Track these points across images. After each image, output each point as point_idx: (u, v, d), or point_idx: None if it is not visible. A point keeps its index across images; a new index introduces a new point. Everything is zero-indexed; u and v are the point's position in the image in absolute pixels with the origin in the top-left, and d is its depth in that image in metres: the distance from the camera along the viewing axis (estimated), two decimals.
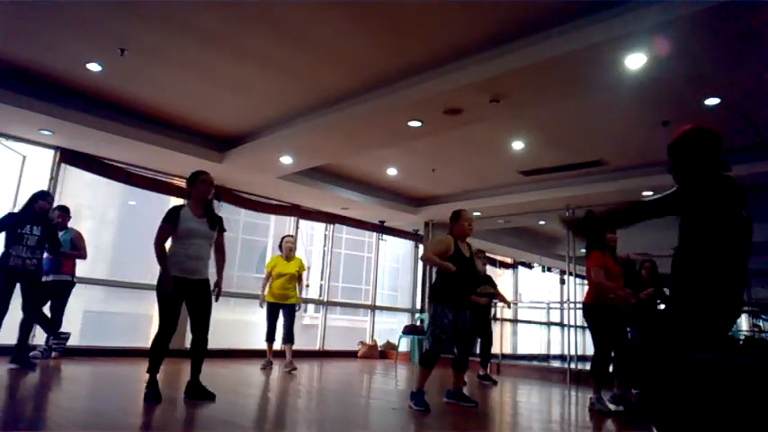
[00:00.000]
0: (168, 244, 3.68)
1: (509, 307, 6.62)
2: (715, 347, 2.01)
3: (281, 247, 6.28)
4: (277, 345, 6.16)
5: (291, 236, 6.67)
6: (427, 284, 9.50)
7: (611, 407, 4.30)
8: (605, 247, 4.43)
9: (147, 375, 3.54)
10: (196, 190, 3.78)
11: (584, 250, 8.65)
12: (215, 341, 4.01)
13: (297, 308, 6.09)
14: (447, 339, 3.96)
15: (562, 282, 11.06)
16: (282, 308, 6.03)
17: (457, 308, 4.02)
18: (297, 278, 6.13)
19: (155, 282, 3.62)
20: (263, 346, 6.11)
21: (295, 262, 6.18)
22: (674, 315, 2.13)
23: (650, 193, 6.77)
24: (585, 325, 4.60)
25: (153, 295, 3.63)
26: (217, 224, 3.81)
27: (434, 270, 4.25)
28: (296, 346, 6.08)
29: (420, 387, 3.88)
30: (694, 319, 2.02)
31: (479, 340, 6.29)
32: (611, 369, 4.58)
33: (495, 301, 6.79)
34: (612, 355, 4.37)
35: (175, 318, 3.64)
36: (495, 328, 6.55)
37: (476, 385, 5.83)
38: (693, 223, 2.18)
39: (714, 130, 2.27)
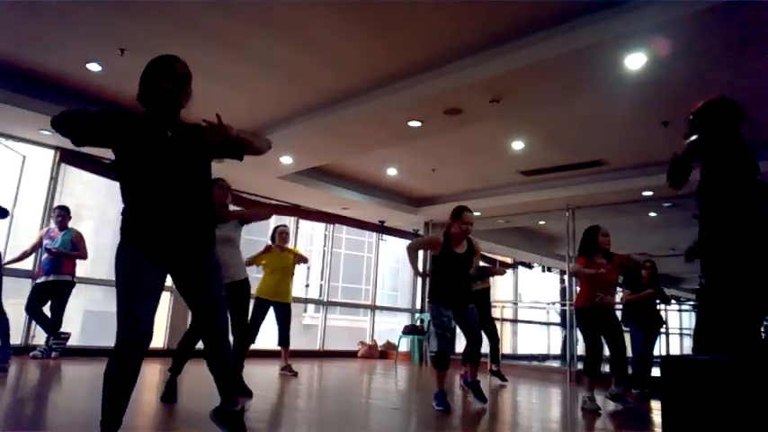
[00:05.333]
0: None
1: (503, 273, 6.54)
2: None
3: (273, 237, 5.58)
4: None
5: (285, 224, 5.91)
6: (427, 284, 9.49)
7: (612, 404, 4.28)
8: (595, 251, 4.38)
9: (169, 375, 3.55)
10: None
11: None
12: None
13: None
14: (452, 337, 3.95)
15: (562, 282, 11.07)
16: (274, 306, 5.41)
17: (455, 305, 4.00)
18: (293, 273, 5.63)
19: None
20: (263, 345, 6.04)
21: (289, 254, 5.59)
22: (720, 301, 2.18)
23: (650, 193, 6.78)
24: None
25: None
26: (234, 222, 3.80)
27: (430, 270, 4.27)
28: (296, 346, 5.99)
29: (440, 388, 3.87)
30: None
31: (485, 336, 6.26)
32: (608, 368, 4.59)
33: (494, 303, 6.76)
34: (609, 354, 4.39)
35: None
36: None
37: (486, 381, 5.82)
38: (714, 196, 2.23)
39: (738, 104, 2.32)
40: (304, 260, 5.75)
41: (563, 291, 9.65)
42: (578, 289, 4.49)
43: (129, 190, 2.09)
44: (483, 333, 6.23)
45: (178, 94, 2.17)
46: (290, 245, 6.10)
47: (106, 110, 2.11)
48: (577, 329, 7.48)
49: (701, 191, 2.32)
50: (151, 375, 4.78)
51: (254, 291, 5.54)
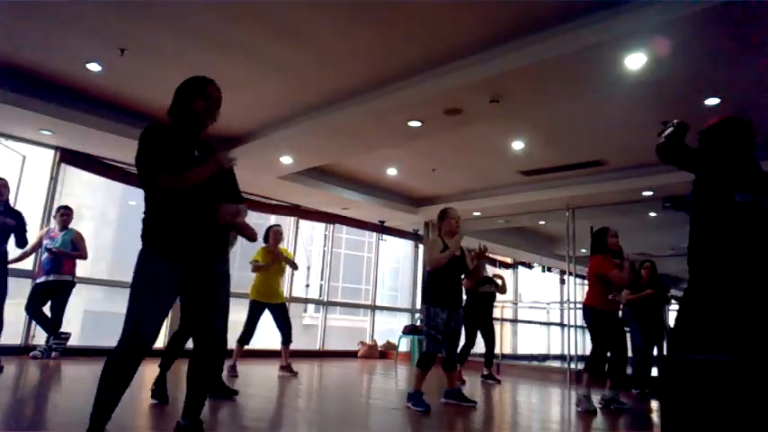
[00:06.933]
0: None
1: (503, 291, 6.47)
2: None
3: (267, 238, 5.50)
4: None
5: (279, 224, 5.88)
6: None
7: (597, 407, 4.26)
8: (607, 250, 4.41)
9: (158, 372, 3.56)
10: None
11: (584, 250, 8.66)
12: None
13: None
14: (443, 339, 3.98)
15: (562, 282, 11.06)
16: (270, 308, 5.40)
17: (451, 307, 4.04)
18: (284, 272, 5.65)
19: None
20: (262, 345, 5.99)
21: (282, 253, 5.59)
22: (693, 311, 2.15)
23: (650, 193, 6.79)
24: (585, 325, 4.60)
25: None
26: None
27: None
28: (296, 346, 5.97)
29: (418, 388, 3.89)
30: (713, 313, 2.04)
31: (482, 339, 6.27)
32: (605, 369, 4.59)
33: (495, 303, 6.74)
34: (609, 356, 4.38)
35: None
36: (495, 328, 6.52)
37: (478, 385, 5.83)
38: (704, 211, 2.19)
39: (750, 123, 2.26)
40: (294, 266, 5.80)
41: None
42: (588, 288, 4.48)
43: (158, 199, 2.16)
44: (481, 336, 6.27)
45: (206, 116, 2.31)
46: (290, 245, 6.10)
47: (151, 144, 2.26)
48: (577, 328, 7.53)
49: (692, 204, 2.28)
50: (152, 375, 4.78)
51: (248, 293, 5.54)
